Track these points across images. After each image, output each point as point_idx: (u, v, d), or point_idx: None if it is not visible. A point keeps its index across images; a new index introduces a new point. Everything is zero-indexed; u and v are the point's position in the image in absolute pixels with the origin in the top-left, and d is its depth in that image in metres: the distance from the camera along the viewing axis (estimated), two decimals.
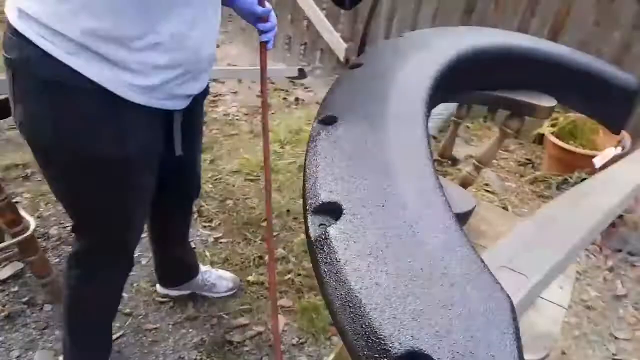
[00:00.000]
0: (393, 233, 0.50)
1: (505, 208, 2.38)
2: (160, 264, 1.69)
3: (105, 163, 0.99)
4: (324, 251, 0.50)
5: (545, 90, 1.14)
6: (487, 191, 2.48)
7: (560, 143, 2.50)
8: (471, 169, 1.33)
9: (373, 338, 0.42)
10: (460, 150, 2.68)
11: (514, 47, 1.07)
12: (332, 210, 0.54)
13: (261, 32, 1.18)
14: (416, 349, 0.40)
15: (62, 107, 0.91)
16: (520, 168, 2.74)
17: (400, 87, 0.78)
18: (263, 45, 1.20)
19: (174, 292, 1.77)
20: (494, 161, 2.76)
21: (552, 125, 2.56)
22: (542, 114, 1.14)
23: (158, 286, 1.78)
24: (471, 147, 2.81)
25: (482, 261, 0.49)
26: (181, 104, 1.06)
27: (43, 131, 0.94)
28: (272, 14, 1.19)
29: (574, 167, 2.47)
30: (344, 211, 0.53)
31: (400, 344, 0.40)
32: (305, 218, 0.56)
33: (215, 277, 1.80)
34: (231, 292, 1.81)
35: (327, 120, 0.70)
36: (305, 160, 0.64)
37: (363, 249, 0.49)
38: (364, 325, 0.43)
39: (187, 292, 1.77)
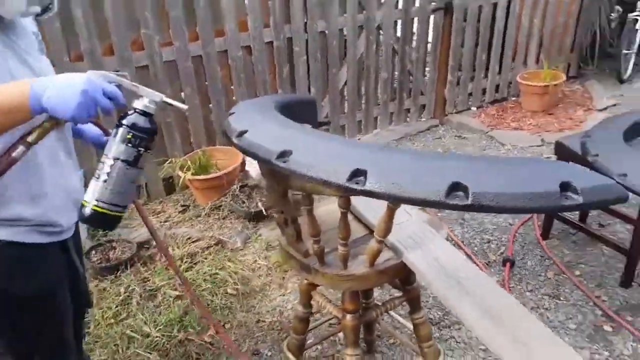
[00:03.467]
0: None
1: (219, 243, 2.79)
2: None
3: (26, 300, 1.17)
4: None
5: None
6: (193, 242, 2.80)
7: (204, 177, 3.03)
8: None
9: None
10: None
11: (282, 100, 1.55)
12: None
13: None
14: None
15: None
16: (180, 216, 3.13)
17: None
18: None
19: None
20: (177, 221, 3.07)
21: (187, 171, 3.04)
22: None
23: None
24: None
25: None
26: (70, 233, 1.26)
27: None
28: None
29: (222, 187, 3.09)
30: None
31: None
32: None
33: None
34: None
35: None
36: None
37: None
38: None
39: None
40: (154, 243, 2.78)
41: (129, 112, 1.05)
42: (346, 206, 1.23)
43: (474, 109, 4.69)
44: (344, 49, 3.83)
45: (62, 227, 1.20)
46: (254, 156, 1.19)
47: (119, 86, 1.02)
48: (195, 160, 3.11)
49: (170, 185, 3.33)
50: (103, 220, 1.06)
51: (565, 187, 0.93)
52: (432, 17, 4.16)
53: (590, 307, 2.26)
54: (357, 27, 3.78)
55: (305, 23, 3.51)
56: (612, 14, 5.06)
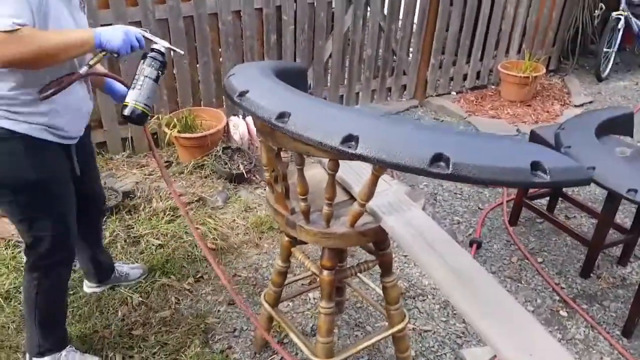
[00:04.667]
0: None
1: (201, 200, 2.86)
2: (85, 264, 2.15)
3: (39, 183, 1.55)
4: None
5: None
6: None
7: (189, 135, 3.07)
8: None
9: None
10: None
11: (278, 66, 1.61)
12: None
13: None
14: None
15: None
16: (167, 170, 3.15)
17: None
18: None
19: (98, 289, 2.25)
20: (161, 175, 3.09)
21: (173, 128, 3.07)
22: None
23: (85, 285, 2.25)
24: None
25: None
26: (74, 141, 1.67)
27: None
28: None
29: (205, 147, 3.13)
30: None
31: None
32: None
33: (127, 268, 2.29)
34: (144, 276, 2.32)
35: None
36: None
37: None
38: None
39: (108, 285, 2.25)
40: (138, 193, 2.85)
41: (151, 51, 1.58)
42: (335, 169, 1.32)
43: (454, 93, 4.80)
44: (331, 22, 3.86)
45: (68, 134, 1.59)
46: (254, 115, 1.26)
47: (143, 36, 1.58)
48: (180, 119, 3.14)
49: (154, 141, 3.35)
50: (140, 114, 1.55)
51: (535, 166, 1.04)
52: None
53: (549, 293, 2.41)
54: (346, 1, 3.81)
55: None
56: (596, 11, 5.19)
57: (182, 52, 1.73)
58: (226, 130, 3.31)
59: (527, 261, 2.61)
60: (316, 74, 3.94)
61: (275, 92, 1.32)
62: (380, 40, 4.21)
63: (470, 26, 4.58)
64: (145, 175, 3.10)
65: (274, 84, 1.38)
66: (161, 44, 1.58)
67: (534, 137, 2.63)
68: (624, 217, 2.92)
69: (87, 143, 1.83)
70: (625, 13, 5.00)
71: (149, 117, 1.58)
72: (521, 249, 2.68)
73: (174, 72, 3.31)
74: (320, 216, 1.44)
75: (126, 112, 1.54)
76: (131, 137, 3.29)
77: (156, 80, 1.57)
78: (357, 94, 4.32)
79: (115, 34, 1.45)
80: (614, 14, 4.97)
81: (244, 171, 3.03)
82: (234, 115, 3.45)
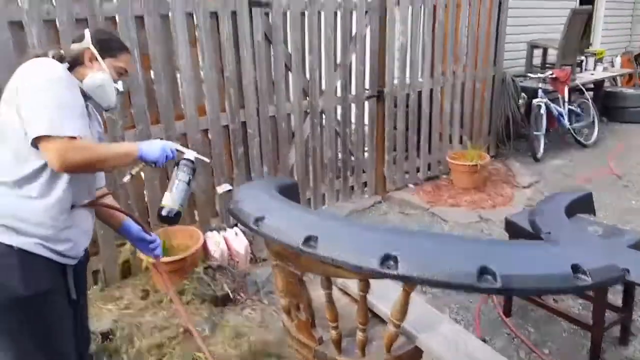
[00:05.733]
0: None
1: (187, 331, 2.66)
2: None
3: (31, 299, 1.46)
4: None
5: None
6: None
7: (168, 259, 2.92)
8: None
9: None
10: None
11: (277, 184, 1.63)
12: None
13: (152, 250, 1.90)
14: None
15: None
16: (141, 302, 2.98)
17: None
18: (158, 259, 1.96)
19: None
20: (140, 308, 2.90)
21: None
22: None
23: None
24: None
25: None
26: (71, 262, 1.62)
27: None
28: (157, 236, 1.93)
29: (185, 270, 3.00)
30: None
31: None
32: None
33: None
34: None
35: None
36: None
37: None
38: None
39: None
40: (117, 333, 2.61)
41: (182, 159, 1.73)
42: (366, 290, 1.29)
43: (411, 186, 5.00)
44: (292, 132, 4.04)
45: (68, 252, 1.57)
46: (276, 241, 1.23)
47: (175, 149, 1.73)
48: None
49: (126, 269, 3.18)
50: (177, 213, 1.67)
51: (575, 269, 1.08)
52: (366, 104, 4.53)
53: None
54: (303, 112, 4.03)
55: (257, 108, 3.70)
56: (520, 100, 5.78)
57: (208, 160, 1.91)
58: (204, 248, 3.21)
59: (534, 354, 2.54)
60: None
61: (294, 215, 1.31)
62: (338, 144, 4.41)
63: (415, 124, 4.92)
64: (121, 309, 2.88)
65: (287, 205, 1.38)
66: (190, 154, 1.75)
67: (510, 226, 2.73)
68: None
69: (84, 269, 1.80)
70: (544, 100, 5.61)
71: (181, 215, 1.71)
72: (526, 343, 2.61)
73: (145, 191, 3.24)
74: (350, 343, 1.38)
75: (164, 212, 1.66)
76: (103, 269, 3.09)
77: (188, 183, 1.73)
78: (323, 195, 4.40)
79: (153, 148, 1.63)
80: (534, 101, 5.58)
81: (229, 291, 2.90)
82: (211, 231, 3.38)
